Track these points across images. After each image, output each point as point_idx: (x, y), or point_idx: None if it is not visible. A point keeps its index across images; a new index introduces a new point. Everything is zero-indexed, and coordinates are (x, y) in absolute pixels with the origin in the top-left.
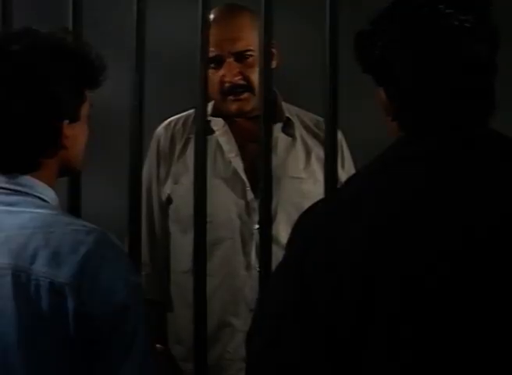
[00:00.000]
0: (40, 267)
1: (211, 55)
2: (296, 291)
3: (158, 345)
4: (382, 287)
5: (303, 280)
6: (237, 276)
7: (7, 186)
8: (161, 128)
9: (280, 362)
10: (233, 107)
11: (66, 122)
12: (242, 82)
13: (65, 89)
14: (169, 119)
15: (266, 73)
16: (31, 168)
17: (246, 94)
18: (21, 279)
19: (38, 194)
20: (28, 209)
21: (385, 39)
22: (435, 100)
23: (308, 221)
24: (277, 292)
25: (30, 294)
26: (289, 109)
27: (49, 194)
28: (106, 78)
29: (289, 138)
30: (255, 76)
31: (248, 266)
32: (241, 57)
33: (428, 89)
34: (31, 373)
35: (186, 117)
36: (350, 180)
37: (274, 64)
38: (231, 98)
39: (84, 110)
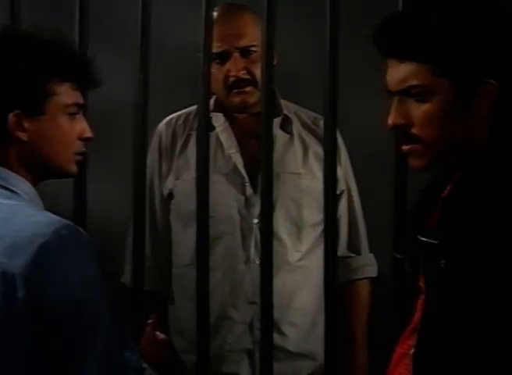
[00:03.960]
0: None
1: (217, 50)
2: None
3: (162, 336)
4: None
5: None
6: (237, 270)
7: None
8: (162, 125)
9: None
10: (237, 99)
11: (16, 112)
12: (246, 76)
13: (15, 81)
14: (171, 116)
15: (267, 70)
16: None
17: (249, 88)
18: None
19: (9, 186)
20: None
21: None
22: None
23: None
24: None
25: None
26: (287, 106)
27: (22, 186)
28: (99, 75)
29: (287, 135)
30: (259, 72)
31: (247, 260)
32: (246, 52)
33: None
34: None
35: (188, 114)
36: None
37: (274, 61)
38: (235, 91)
39: (54, 105)
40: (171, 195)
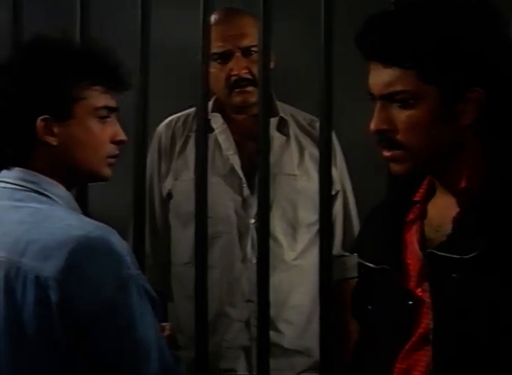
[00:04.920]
0: (28, 261)
1: (219, 50)
2: None
3: (168, 332)
4: None
5: None
6: (234, 269)
7: (17, 182)
8: (162, 126)
9: None
10: (238, 99)
11: (44, 117)
12: (248, 76)
13: (42, 86)
14: (170, 118)
15: (264, 72)
16: (14, 161)
17: (250, 88)
18: (11, 272)
19: (42, 191)
20: (30, 205)
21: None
22: None
23: None
24: None
25: (19, 287)
26: (283, 108)
27: (56, 190)
28: (129, 79)
29: (284, 137)
30: None
31: (244, 259)
32: (247, 52)
33: None
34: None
35: (187, 115)
36: None
37: (272, 64)
38: (237, 90)
39: (83, 109)
40: (170, 195)
